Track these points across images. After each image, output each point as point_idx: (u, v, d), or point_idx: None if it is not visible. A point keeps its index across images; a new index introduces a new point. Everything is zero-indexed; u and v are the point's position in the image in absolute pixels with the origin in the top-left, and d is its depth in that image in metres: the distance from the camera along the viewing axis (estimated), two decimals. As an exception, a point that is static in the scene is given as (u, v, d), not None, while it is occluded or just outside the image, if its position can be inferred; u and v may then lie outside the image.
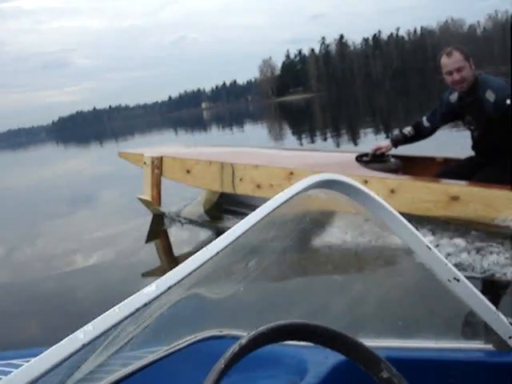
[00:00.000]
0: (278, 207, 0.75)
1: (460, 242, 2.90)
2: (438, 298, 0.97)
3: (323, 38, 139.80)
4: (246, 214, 3.21)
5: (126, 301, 0.56)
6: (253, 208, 3.40)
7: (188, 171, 4.69)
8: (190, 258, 0.64)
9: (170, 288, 0.59)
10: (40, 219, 6.82)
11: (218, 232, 4.47)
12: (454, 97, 3.47)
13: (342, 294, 1.13)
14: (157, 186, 4.93)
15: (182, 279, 0.61)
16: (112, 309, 0.54)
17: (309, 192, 0.81)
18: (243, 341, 0.63)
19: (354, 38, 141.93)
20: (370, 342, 0.83)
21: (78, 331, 0.51)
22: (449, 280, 0.87)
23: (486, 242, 2.78)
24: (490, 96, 3.16)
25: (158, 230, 4.97)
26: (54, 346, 0.50)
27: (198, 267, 0.63)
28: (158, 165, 4.85)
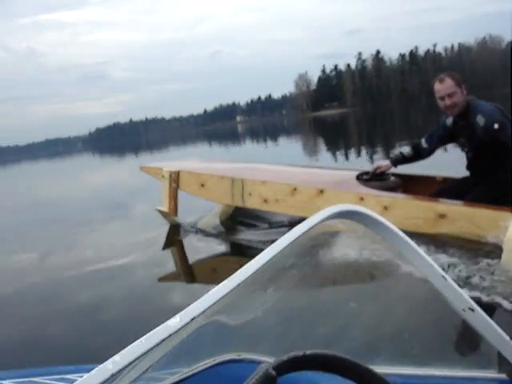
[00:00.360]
0: (297, 238, 0.77)
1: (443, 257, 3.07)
2: (452, 326, 1.01)
3: (360, 53, 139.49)
4: (258, 226, 3.47)
5: (151, 332, 0.58)
6: (264, 221, 3.72)
7: (202, 185, 4.96)
8: (212, 290, 0.66)
9: (193, 319, 0.62)
10: (67, 227, 7.23)
11: (230, 243, 4.73)
12: (449, 121, 3.65)
13: (357, 320, 1.16)
14: (174, 198, 5.23)
15: (205, 310, 0.63)
16: (138, 340, 0.57)
17: (327, 222, 0.82)
18: (275, 362, 0.65)
19: (391, 54, 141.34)
20: (383, 369, 0.88)
21: (107, 362, 0.55)
22: (463, 310, 0.88)
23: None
24: (480, 120, 3.34)
25: (173, 239, 5.26)
26: (84, 377, 0.53)
27: (220, 299, 0.65)
28: (175, 178, 5.15)
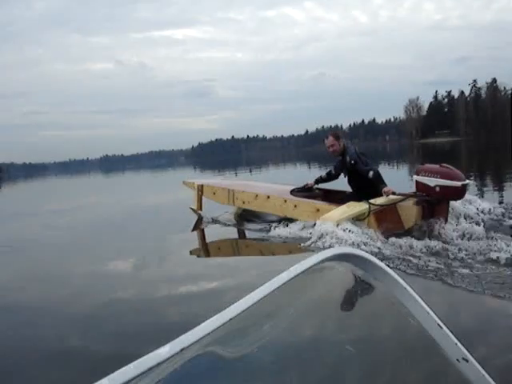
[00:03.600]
0: (294, 277, 0.78)
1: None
2: (445, 377, 1.01)
3: (475, 81, 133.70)
4: (255, 221, 7.11)
5: (140, 359, 0.61)
6: (260, 219, 7.59)
7: (214, 193, 7.98)
8: (205, 322, 0.68)
9: (182, 350, 0.64)
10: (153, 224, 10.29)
11: (237, 230, 7.36)
12: (340, 157, 6.13)
13: (353, 365, 1.17)
14: (200, 200, 8.27)
15: (195, 342, 0.66)
16: (127, 366, 0.60)
17: (325, 263, 0.85)
18: None
19: (505, 83, 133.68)
20: None
21: None
22: (458, 360, 0.88)
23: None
24: (348, 158, 5.83)
25: (198, 226, 8.08)
26: None
27: (212, 331, 0.67)
28: (200, 189, 8.20)
